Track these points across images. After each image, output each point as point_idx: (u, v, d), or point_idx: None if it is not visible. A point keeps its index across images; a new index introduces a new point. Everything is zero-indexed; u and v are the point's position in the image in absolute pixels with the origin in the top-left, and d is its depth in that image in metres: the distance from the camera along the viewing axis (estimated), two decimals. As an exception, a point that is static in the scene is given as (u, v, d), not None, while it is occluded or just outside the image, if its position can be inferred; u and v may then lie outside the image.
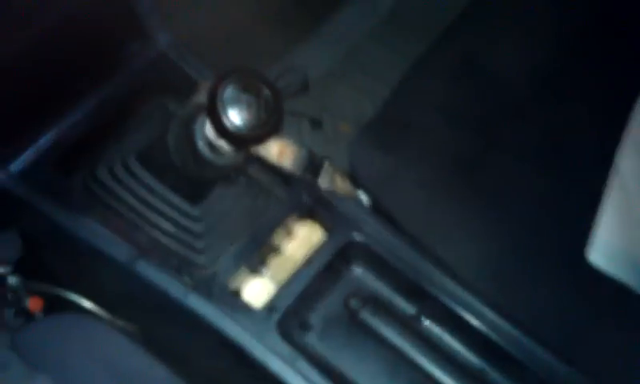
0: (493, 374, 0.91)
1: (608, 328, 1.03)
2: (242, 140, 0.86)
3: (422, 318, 0.95)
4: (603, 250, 1.12)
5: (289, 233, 0.98)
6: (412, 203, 1.14)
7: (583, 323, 1.04)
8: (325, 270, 0.93)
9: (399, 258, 0.95)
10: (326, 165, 0.99)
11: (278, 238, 0.97)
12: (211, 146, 0.88)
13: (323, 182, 0.99)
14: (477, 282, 0.94)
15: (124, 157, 0.94)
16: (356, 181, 1.11)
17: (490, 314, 0.91)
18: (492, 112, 1.31)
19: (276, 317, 0.88)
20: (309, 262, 0.93)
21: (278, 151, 0.95)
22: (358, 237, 0.96)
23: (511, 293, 1.02)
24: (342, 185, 1.01)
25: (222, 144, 0.87)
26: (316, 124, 1.39)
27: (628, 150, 1.25)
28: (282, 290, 0.91)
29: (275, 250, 0.97)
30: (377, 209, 1.07)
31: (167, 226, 0.93)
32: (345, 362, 0.90)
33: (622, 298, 1.07)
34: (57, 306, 0.92)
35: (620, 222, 1.16)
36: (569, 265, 1.10)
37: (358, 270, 0.97)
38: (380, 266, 0.96)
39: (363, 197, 1.09)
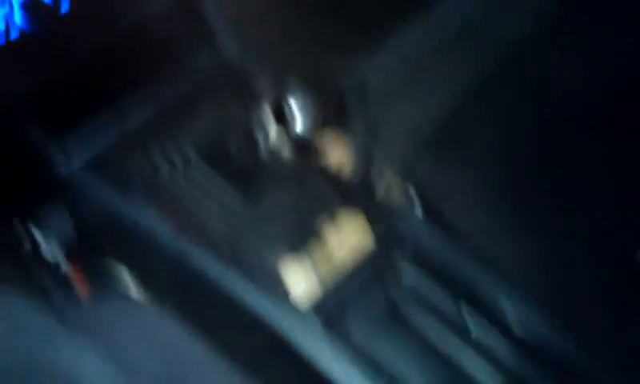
0: (532, 374, 0.90)
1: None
2: (304, 144, 0.88)
3: (469, 321, 0.93)
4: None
5: (335, 226, 0.98)
6: (468, 215, 1.14)
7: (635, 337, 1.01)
8: (372, 268, 0.94)
9: (448, 259, 0.95)
10: (382, 172, 1.01)
11: (323, 230, 0.97)
12: (272, 146, 0.90)
13: (379, 188, 1.00)
14: (526, 287, 0.94)
15: (182, 147, 0.97)
16: (411, 191, 1.12)
17: (539, 322, 0.90)
18: (556, 130, 1.30)
19: (320, 309, 0.88)
20: (356, 257, 0.93)
21: (335, 152, 0.97)
22: (407, 236, 0.97)
23: (562, 302, 1.00)
24: (396, 192, 1.02)
25: (283, 143, 0.90)
26: (374, 135, 1.40)
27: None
28: (328, 283, 0.91)
29: (320, 241, 0.96)
30: (431, 218, 1.07)
31: (218, 213, 0.95)
32: (388, 360, 0.89)
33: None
34: (105, 289, 0.95)
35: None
36: (622, 278, 1.07)
37: (405, 270, 0.97)
38: (428, 266, 0.95)
39: (417, 205, 1.09)
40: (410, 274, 0.96)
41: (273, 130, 0.95)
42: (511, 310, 0.91)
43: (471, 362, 0.89)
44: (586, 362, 0.88)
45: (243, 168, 0.97)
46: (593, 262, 1.09)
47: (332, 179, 1.02)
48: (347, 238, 0.97)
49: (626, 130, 1.32)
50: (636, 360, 0.98)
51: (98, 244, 0.96)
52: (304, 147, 0.95)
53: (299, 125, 0.92)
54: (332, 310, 0.90)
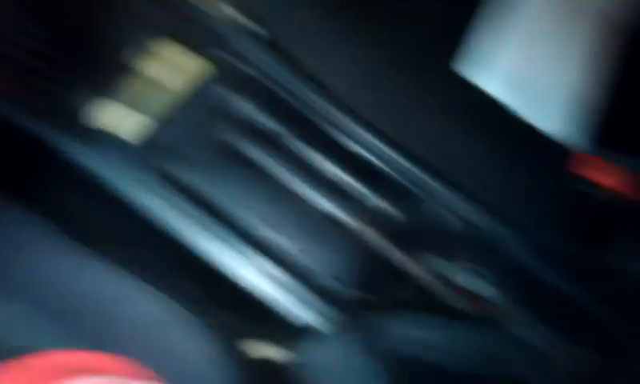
0: (372, 197, 0.91)
1: (477, 143, 1.04)
2: None
3: (302, 145, 0.92)
4: (473, 61, 1.12)
5: (153, 56, 0.92)
6: (305, 42, 1.10)
7: (452, 137, 1.05)
8: (203, 101, 0.90)
9: (284, 87, 0.91)
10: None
11: (140, 61, 0.90)
12: None
13: (212, 13, 0.94)
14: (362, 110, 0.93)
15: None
16: (245, 15, 1.06)
17: (369, 138, 0.91)
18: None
19: (149, 151, 0.84)
20: (186, 90, 0.88)
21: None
22: (242, 65, 0.92)
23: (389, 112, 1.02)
24: (231, 17, 0.96)
25: None
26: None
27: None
28: (156, 120, 0.86)
29: (140, 75, 0.90)
30: (266, 44, 1.03)
31: (40, 69, 0.87)
32: (224, 195, 0.87)
33: (495, 114, 1.08)
34: None
35: (492, 34, 1.15)
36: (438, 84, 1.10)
37: (238, 102, 0.93)
38: (264, 97, 0.92)
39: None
40: (244, 107, 0.93)
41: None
42: (349, 133, 0.91)
43: (314, 193, 0.89)
44: (418, 168, 0.90)
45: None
46: (418, 75, 1.10)
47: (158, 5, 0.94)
48: (177, 70, 0.91)
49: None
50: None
51: None
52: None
53: None
54: (161, 150, 0.86)
